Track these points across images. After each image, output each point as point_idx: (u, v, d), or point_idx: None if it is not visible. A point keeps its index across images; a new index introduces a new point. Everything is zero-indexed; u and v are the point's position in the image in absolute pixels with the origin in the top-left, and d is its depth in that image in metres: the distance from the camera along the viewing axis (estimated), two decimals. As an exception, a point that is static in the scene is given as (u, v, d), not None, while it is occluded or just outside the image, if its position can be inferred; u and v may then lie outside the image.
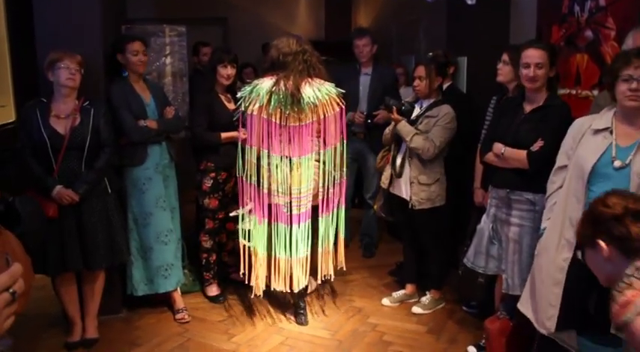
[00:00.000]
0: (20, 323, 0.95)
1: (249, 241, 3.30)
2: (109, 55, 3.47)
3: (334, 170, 3.30)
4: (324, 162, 3.25)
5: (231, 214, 3.53)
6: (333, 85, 3.26)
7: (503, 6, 4.09)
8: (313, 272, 3.48)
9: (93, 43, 3.39)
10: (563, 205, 2.43)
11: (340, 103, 3.22)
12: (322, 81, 3.23)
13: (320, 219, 3.32)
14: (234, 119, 3.48)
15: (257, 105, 3.13)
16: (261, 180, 3.21)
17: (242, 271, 3.33)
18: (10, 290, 0.91)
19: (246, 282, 3.36)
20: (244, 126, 3.23)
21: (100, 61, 3.41)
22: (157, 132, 3.45)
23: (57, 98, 3.11)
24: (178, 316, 3.59)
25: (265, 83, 3.16)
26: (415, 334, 3.42)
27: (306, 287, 3.54)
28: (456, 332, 3.45)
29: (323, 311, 3.73)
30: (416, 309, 3.71)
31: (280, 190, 3.20)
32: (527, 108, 2.85)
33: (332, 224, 3.37)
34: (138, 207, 3.48)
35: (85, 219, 3.13)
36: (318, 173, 3.26)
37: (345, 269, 3.58)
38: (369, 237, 4.85)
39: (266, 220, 3.26)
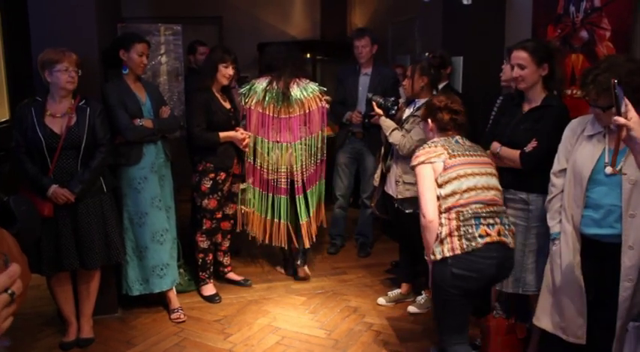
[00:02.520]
0: (15, 323, 0.94)
1: (248, 207, 3.98)
2: (109, 48, 3.45)
3: (318, 152, 3.97)
4: (308, 145, 3.91)
5: (240, 187, 4.00)
6: (316, 83, 3.94)
7: (499, 6, 4.10)
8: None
9: (88, 41, 3.36)
10: (568, 210, 2.43)
11: (322, 99, 3.88)
12: (308, 81, 3.91)
13: (307, 191, 3.98)
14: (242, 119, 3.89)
15: (255, 101, 3.78)
16: (259, 161, 3.87)
17: (239, 229, 4.04)
18: (9, 291, 0.90)
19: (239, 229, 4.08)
20: (244, 119, 3.83)
21: (96, 59, 3.39)
22: (152, 132, 3.43)
23: (53, 97, 3.09)
24: (174, 316, 3.59)
25: (261, 82, 3.81)
26: (411, 333, 3.42)
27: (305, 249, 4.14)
28: (452, 332, 3.45)
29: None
30: (412, 309, 3.71)
31: (274, 169, 3.88)
32: (526, 107, 2.85)
33: (315, 194, 4.05)
34: (133, 206, 3.47)
35: (80, 218, 3.12)
36: (305, 154, 3.92)
37: (325, 225, 4.30)
38: (364, 237, 4.85)
39: (263, 191, 3.94)
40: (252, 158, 3.89)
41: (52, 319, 3.53)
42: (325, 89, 3.98)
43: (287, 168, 3.88)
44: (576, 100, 3.28)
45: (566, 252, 2.43)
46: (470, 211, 2.44)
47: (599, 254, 2.34)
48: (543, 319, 2.57)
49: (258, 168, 3.89)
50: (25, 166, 3.04)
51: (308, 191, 3.98)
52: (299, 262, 4.20)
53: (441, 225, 2.47)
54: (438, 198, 2.49)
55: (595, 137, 2.36)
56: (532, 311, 2.74)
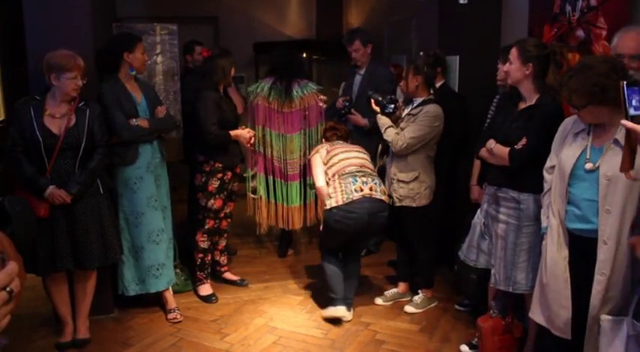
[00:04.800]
0: (10, 324, 0.93)
1: (255, 194, 4.37)
2: (102, 52, 3.43)
3: (315, 143, 4.26)
4: (308, 136, 4.34)
5: (244, 175, 4.36)
6: (315, 83, 4.39)
7: (495, 5, 4.11)
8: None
9: (84, 42, 3.34)
10: (554, 205, 2.45)
11: (319, 96, 4.30)
12: (307, 81, 4.33)
13: (308, 178, 4.33)
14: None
15: (261, 97, 4.22)
16: (266, 149, 4.29)
17: (249, 213, 4.41)
18: (7, 289, 0.90)
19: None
20: (251, 114, 4.26)
21: (92, 60, 3.37)
22: (148, 132, 3.42)
23: (54, 98, 3.07)
24: (170, 316, 3.58)
25: (267, 82, 4.25)
26: (408, 333, 3.43)
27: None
28: (449, 331, 3.46)
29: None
30: (409, 308, 3.71)
31: (278, 156, 4.30)
32: (521, 106, 2.86)
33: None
34: (129, 206, 3.46)
35: (77, 219, 3.11)
36: (305, 144, 4.33)
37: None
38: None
39: (271, 177, 4.34)
40: (261, 148, 4.28)
41: (47, 319, 3.51)
42: (322, 88, 4.33)
43: (291, 157, 4.30)
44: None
45: (551, 247, 2.46)
46: (347, 171, 3.47)
47: (583, 248, 2.36)
48: (536, 312, 2.59)
49: (269, 157, 4.30)
50: (21, 166, 3.02)
51: (309, 178, 4.29)
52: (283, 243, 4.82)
53: (329, 186, 3.49)
54: (327, 173, 3.56)
55: (580, 134, 2.40)
56: (528, 310, 2.74)
